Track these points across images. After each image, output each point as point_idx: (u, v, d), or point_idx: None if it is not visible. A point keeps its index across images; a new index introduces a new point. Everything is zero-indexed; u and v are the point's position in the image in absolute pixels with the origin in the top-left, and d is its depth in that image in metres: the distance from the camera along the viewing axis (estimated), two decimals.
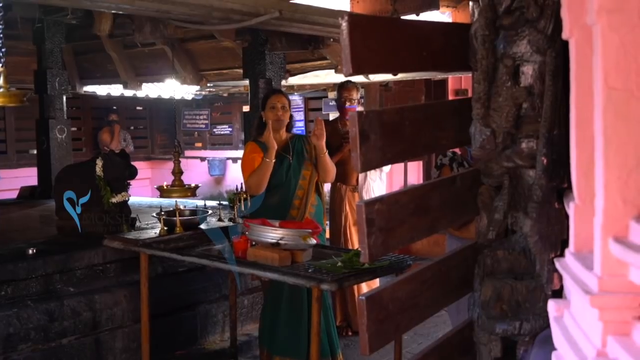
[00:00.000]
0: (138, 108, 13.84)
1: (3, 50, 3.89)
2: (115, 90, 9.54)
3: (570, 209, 1.63)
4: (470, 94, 2.36)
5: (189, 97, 12.02)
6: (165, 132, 14.09)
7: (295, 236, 3.61)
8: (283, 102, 4.31)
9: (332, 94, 9.75)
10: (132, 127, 13.77)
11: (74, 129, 10.59)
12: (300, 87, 9.67)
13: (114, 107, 12.64)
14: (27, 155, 11.37)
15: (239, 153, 12.37)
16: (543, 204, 2.10)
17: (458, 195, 2.39)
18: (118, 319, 4.47)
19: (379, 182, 5.57)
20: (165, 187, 4.88)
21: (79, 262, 4.50)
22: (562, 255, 2.05)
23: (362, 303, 2.01)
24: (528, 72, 2.15)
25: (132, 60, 8.09)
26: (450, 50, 2.38)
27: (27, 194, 7.67)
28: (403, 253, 3.83)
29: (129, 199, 4.82)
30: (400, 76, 7.60)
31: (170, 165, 12.29)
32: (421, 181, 9.94)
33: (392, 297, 2.15)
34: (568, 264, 1.62)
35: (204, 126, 13.71)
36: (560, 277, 2.02)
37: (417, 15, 4.79)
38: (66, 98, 7.57)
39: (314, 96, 11.68)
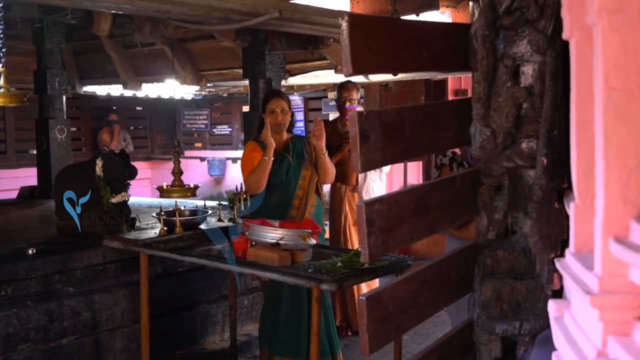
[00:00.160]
0: (138, 108, 13.84)
1: (3, 50, 3.88)
2: (115, 90, 9.54)
3: (571, 209, 1.63)
4: (470, 94, 2.36)
5: (188, 97, 12.02)
6: (165, 132, 14.09)
7: (295, 236, 3.61)
8: (282, 106, 4.30)
9: (331, 94, 9.74)
10: (131, 127, 13.77)
11: (73, 129, 10.59)
12: (300, 87, 9.67)
13: (114, 107, 12.64)
14: (26, 155, 11.37)
15: (239, 153, 12.36)
16: (543, 204, 2.10)
17: (458, 195, 2.39)
18: (118, 319, 4.47)
19: (378, 182, 5.57)
20: (165, 187, 4.87)
21: (78, 262, 4.49)
22: (562, 255, 2.05)
23: (362, 303, 2.01)
24: (528, 72, 2.15)
25: (132, 60, 8.09)
26: (450, 50, 2.38)
27: (26, 194, 7.66)
28: (403, 253, 3.83)
29: (128, 199, 4.81)
30: (400, 76, 7.59)
31: (169, 165, 12.31)
32: (421, 181, 9.94)
33: (392, 297, 2.15)
34: (568, 264, 1.62)
35: (203, 126, 13.71)
36: (561, 277, 2.02)
37: (417, 15, 4.79)
38: (66, 98, 7.56)
39: (314, 96, 11.68)
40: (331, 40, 6.16)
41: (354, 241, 5.41)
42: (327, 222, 5.44)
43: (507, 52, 2.17)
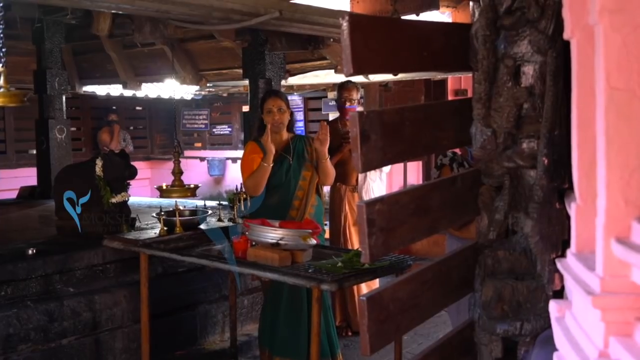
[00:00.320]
0: (137, 108, 13.84)
1: (3, 50, 3.88)
2: (115, 90, 9.54)
3: (572, 209, 1.62)
4: (470, 94, 2.36)
5: (188, 97, 12.02)
6: (165, 132, 14.09)
7: (295, 236, 3.61)
8: (279, 105, 4.29)
9: (331, 94, 9.75)
10: (131, 127, 13.77)
11: (73, 129, 10.59)
12: (300, 87, 9.67)
13: (114, 107, 12.64)
14: (26, 155, 11.37)
15: (239, 153, 12.37)
16: (544, 205, 2.09)
17: (458, 195, 2.38)
18: (118, 319, 4.47)
19: (378, 183, 5.57)
20: (165, 187, 4.87)
21: (78, 262, 4.49)
22: (562, 255, 2.05)
23: (362, 303, 2.01)
24: (529, 72, 2.14)
25: (132, 60, 8.09)
26: (451, 50, 2.37)
27: (26, 194, 7.66)
28: (402, 253, 3.83)
29: (128, 199, 4.81)
30: (400, 76, 7.60)
31: (169, 165, 12.33)
32: (421, 181, 9.95)
33: (393, 298, 2.15)
34: (570, 265, 1.62)
35: (203, 126, 13.72)
36: (561, 278, 2.02)
37: (417, 15, 4.79)
38: (65, 98, 7.56)
39: (314, 96, 11.68)
40: (331, 40, 6.15)
41: (354, 241, 5.41)
42: (327, 222, 5.44)
43: (507, 52, 2.17)
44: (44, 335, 4.09)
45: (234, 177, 11.73)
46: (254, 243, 3.72)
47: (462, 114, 2.39)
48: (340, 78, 7.00)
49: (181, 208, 4.49)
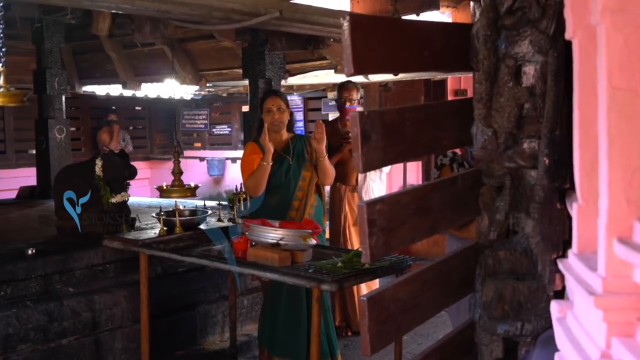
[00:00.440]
0: (137, 108, 13.82)
1: (3, 49, 3.87)
2: (114, 90, 9.54)
3: (574, 209, 1.62)
4: (469, 94, 2.36)
5: (188, 97, 12.01)
6: (164, 132, 14.08)
7: (296, 236, 3.60)
8: (278, 104, 4.29)
9: (331, 94, 9.74)
10: (131, 127, 13.76)
11: (72, 129, 10.59)
12: (300, 87, 9.66)
13: (113, 107, 12.63)
14: (26, 155, 11.36)
15: (238, 153, 12.36)
16: (545, 205, 2.09)
17: (459, 195, 2.38)
18: (118, 319, 4.47)
19: (378, 183, 5.57)
20: (165, 187, 4.87)
21: (78, 262, 4.49)
22: (563, 256, 2.04)
23: (363, 304, 2.01)
24: (530, 72, 2.14)
25: (131, 60, 8.09)
26: (451, 50, 2.37)
27: (26, 194, 7.65)
28: (402, 253, 3.83)
29: (128, 199, 4.81)
30: (400, 76, 7.59)
31: (169, 165, 12.31)
32: (420, 182, 9.95)
33: (394, 298, 2.14)
34: (571, 265, 1.62)
35: (203, 126, 13.71)
36: (562, 278, 2.02)
37: (418, 15, 4.79)
38: (65, 98, 7.56)
39: (313, 96, 11.67)
40: (331, 40, 6.15)
41: (354, 241, 5.41)
42: (328, 222, 5.43)
43: (508, 52, 2.17)
44: (44, 335, 4.08)
45: (233, 177, 11.72)
46: (254, 243, 3.71)
47: (462, 114, 2.39)
48: (340, 78, 6.99)
49: (181, 208, 4.48)
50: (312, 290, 3.37)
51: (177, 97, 10.78)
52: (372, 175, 5.46)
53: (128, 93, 9.63)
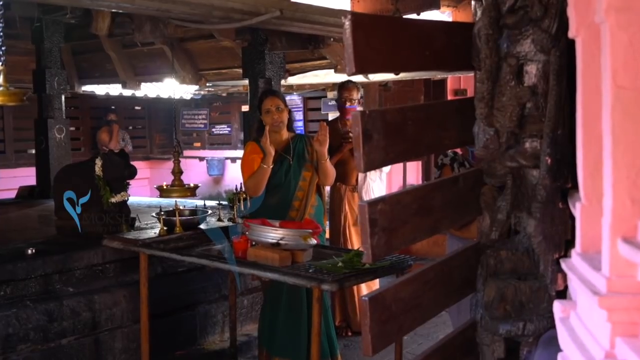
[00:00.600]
0: (137, 108, 13.81)
1: (3, 48, 3.87)
2: (114, 89, 9.53)
3: (577, 209, 1.61)
4: (469, 94, 2.35)
5: (187, 96, 12.00)
6: (164, 132, 14.07)
7: (296, 236, 3.60)
8: (277, 104, 4.27)
9: (331, 94, 9.73)
10: (130, 127, 13.75)
11: (72, 128, 10.57)
12: (300, 87, 9.66)
13: (113, 107, 12.62)
14: (25, 155, 11.35)
15: (238, 153, 12.36)
16: (547, 204, 2.08)
17: (460, 195, 2.37)
18: (117, 319, 4.46)
19: (378, 182, 5.56)
20: (165, 187, 4.86)
21: (78, 262, 4.48)
22: (565, 255, 2.04)
23: (365, 304, 2.00)
24: (532, 71, 2.13)
25: (131, 60, 8.08)
26: (453, 49, 2.36)
27: (25, 193, 7.65)
28: (402, 253, 3.82)
29: (128, 199, 4.80)
30: (400, 76, 7.59)
31: (168, 165, 12.30)
32: (420, 181, 9.94)
33: (395, 298, 2.14)
34: (575, 265, 1.61)
35: (202, 126, 13.70)
36: (564, 278, 2.01)
37: (418, 14, 4.78)
38: (65, 97, 7.55)
39: (313, 96, 11.66)
40: (331, 39, 6.14)
41: (354, 241, 5.40)
42: (328, 222, 5.43)
43: (510, 51, 2.16)
44: (44, 335, 4.07)
45: (233, 177, 11.71)
46: (254, 243, 3.71)
47: (464, 113, 2.38)
48: (340, 78, 6.99)
49: (181, 208, 4.47)
50: (312, 290, 3.36)
51: (176, 96, 10.76)
52: (373, 175, 5.45)
53: (127, 93, 9.62)
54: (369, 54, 2.01)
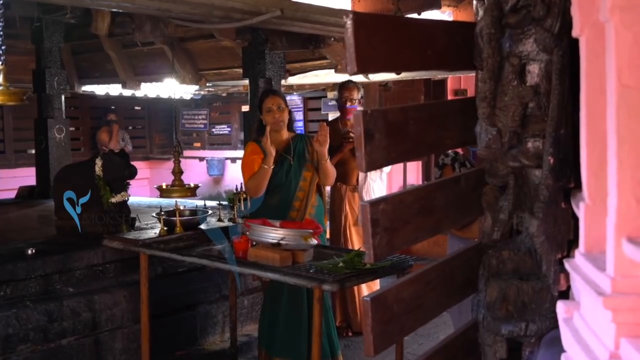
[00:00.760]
0: (136, 108, 13.80)
1: (3, 47, 3.86)
2: (114, 89, 9.52)
3: (580, 209, 1.61)
4: (470, 94, 2.34)
5: (187, 96, 11.98)
6: (164, 132, 14.06)
7: (296, 236, 3.59)
8: (278, 103, 4.27)
9: (331, 94, 9.72)
10: (130, 127, 13.73)
11: (72, 128, 10.55)
12: (300, 87, 9.65)
13: (112, 107, 12.61)
14: (25, 155, 11.34)
15: (238, 153, 12.35)
16: (549, 204, 2.08)
17: (462, 195, 2.37)
18: (118, 320, 4.45)
19: (379, 182, 5.55)
20: (165, 187, 4.85)
21: (78, 262, 4.47)
22: (568, 255, 2.03)
23: (366, 304, 1.99)
24: (534, 70, 2.13)
25: (131, 60, 8.07)
26: (455, 49, 2.35)
27: (25, 193, 7.64)
28: (403, 253, 3.81)
29: (128, 199, 4.79)
30: (400, 76, 7.58)
31: (168, 165, 12.29)
32: (420, 181, 9.93)
33: (397, 298, 2.13)
34: (578, 265, 1.60)
35: (202, 126, 13.69)
36: (567, 278, 2.00)
37: (419, 14, 4.77)
38: (64, 97, 7.53)
39: (313, 96, 11.65)
40: (332, 39, 6.13)
41: (355, 241, 5.40)
42: (328, 222, 5.42)
43: (513, 51, 2.15)
44: (44, 335, 4.07)
45: (233, 177, 11.70)
46: (254, 243, 3.70)
47: (466, 113, 2.38)
48: (340, 78, 6.98)
49: (181, 208, 4.46)
50: (313, 291, 3.35)
51: (176, 96, 10.75)
52: (373, 175, 5.45)
53: (127, 93, 9.61)
54: (371, 54, 2.00)
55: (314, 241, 3.67)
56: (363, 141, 1.95)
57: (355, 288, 5.19)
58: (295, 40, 6.12)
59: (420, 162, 9.95)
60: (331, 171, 4.28)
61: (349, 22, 1.90)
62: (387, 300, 2.09)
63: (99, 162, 4.62)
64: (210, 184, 13.09)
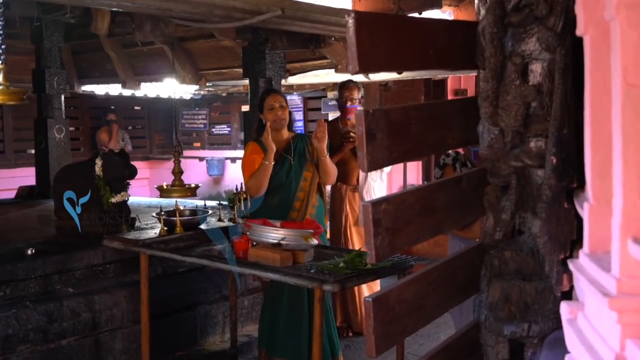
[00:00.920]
0: (136, 108, 13.78)
1: (3, 47, 3.85)
2: (114, 89, 9.51)
3: (585, 209, 1.59)
4: (470, 94, 2.33)
5: (187, 96, 11.98)
6: (164, 132, 14.05)
7: (297, 236, 3.58)
8: (280, 102, 4.27)
9: (331, 94, 9.72)
10: (130, 127, 13.72)
11: (71, 128, 10.54)
12: (300, 87, 9.64)
13: (112, 107, 12.60)
14: (25, 155, 11.32)
15: (238, 153, 12.34)
16: (552, 204, 2.06)
17: (464, 195, 2.36)
18: (118, 320, 4.44)
19: (379, 182, 5.54)
20: (165, 187, 4.84)
21: (78, 262, 4.46)
22: (571, 256, 2.02)
23: (368, 305, 1.98)
24: (537, 70, 2.11)
25: (131, 60, 8.06)
26: (456, 48, 2.34)
27: (25, 193, 7.62)
28: (403, 253, 3.80)
29: (128, 199, 4.78)
30: (400, 76, 7.56)
31: (168, 165, 12.28)
32: (420, 181, 9.93)
33: (399, 299, 2.12)
34: (583, 266, 1.59)
35: (202, 126, 13.68)
36: (570, 279, 1.99)
37: (420, 14, 4.76)
38: (64, 97, 7.52)
39: (313, 96, 11.65)
40: (332, 39, 6.12)
41: (355, 241, 5.38)
42: (329, 222, 5.41)
43: (515, 50, 2.14)
44: (43, 336, 4.05)
45: (233, 177, 11.69)
46: (255, 243, 3.69)
47: (467, 112, 2.37)
48: (341, 78, 6.97)
49: (181, 208, 4.45)
50: (313, 291, 3.34)
51: (176, 96, 10.74)
52: (374, 175, 5.43)
53: (127, 93, 9.60)
54: (373, 53, 1.99)
55: (315, 241, 3.66)
56: (365, 141, 1.94)
57: (356, 288, 5.18)
58: (296, 39, 6.11)
59: (420, 162, 9.95)
60: (331, 168, 4.26)
61: (350, 21, 1.89)
62: (389, 300, 2.08)
63: (99, 162, 4.60)
64: (210, 184, 13.08)
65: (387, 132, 2.02)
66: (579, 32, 1.58)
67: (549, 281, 2.11)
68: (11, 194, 8.08)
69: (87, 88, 9.24)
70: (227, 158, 13.19)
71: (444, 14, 5.69)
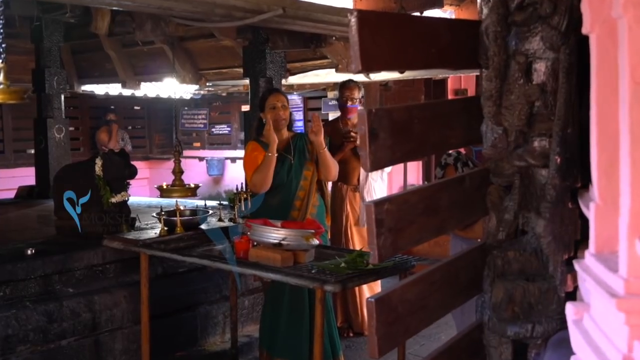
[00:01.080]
0: (136, 107, 13.76)
1: (3, 46, 3.83)
2: (114, 89, 9.50)
3: (591, 209, 1.58)
4: (470, 94, 2.32)
5: (187, 96, 11.96)
6: (164, 132, 14.03)
7: (298, 236, 3.56)
8: (282, 101, 4.27)
9: (331, 94, 9.70)
10: (130, 127, 13.70)
11: (71, 128, 10.52)
12: (300, 87, 9.63)
13: (112, 107, 12.58)
14: (24, 154, 11.31)
15: (238, 153, 12.33)
16: (556, 204, 2.05)
17: (467, 195, 2.34)
18: (118, 320, 4.43)
19: (380, 182, 5.52)
20: (165, 187, 4.83)
21: (78, 262, 4.45)
22: (575, 256, 2.01)
23: (371, 305, 1.96)
24: (541, 69, 2.10)
25: (131, 59, 8.05)
26: (458, 47, 2.33)
27: (24, 193, 7.61)
28: (404, 254, 3.78)
29: (128, 199, 4.76)
30: (401, 75, 7.55)
31: (168, 165, 12.27)
32: (421, 181, 9.91)
33: (401, 299, 2.10)
34: (589, 266, 1.57)
35: (202, 126, 13.66)
36: (574, 279, 1.98)
37: (421, 13, 4.75)
38: (64, 97, 7.51)
39: (314, 96, 11.64)
40: (333, 38, 6.11)
41: (356, 241, 5.37)
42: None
43: (519, 49, 2.12)
44: (43, 336, 4.04)
45: (233, 177, 11.68)
46: (255, 243, 3.67)
47: (470, 112, 2.35)
48: (341, 77, 6.95)
49: (181, 208, 4.44)
50: (314, 291, 3.33)
51: (176, 96, 10.72)
52: (374, 174, 5.42)
53: (127, 92, 9.59)
54: (375, 52, 1.97)
55: (316, 241, 3.65)
56: (367, 140, 1.93)
57: (357, 288, 5.17)
58: (297, 39, 6.10)
59: (420, 162, 9.93)
60: (331, 161, 4.25)
61: (353, 20, 1.87)
62: (391, 301, 2.07)
63: (99, 162, 4.59)
64: (210, 183, 13.06)
65: (390, 132, 2.01)
66: (584, 30, 1.57)
67: (553, 281, 2.09)
68: (11, 194, 8.06)
69: (87, 88, 9.23)
70: (227, 158, 13.18)
71: (445, 13, 5.67)
